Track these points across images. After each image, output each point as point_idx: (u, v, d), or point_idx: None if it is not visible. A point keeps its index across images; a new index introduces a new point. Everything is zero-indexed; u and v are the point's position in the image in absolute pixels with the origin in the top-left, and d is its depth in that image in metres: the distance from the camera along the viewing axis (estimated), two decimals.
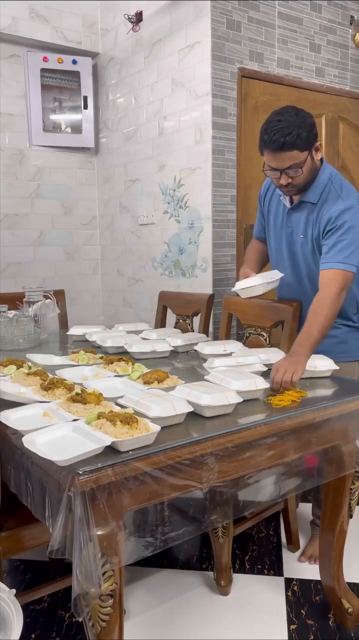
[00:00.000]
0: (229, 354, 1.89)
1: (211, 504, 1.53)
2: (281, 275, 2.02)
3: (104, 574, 1.10)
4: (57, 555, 1.08)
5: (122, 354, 2.00)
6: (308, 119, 1.78)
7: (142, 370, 1.66)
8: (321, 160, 1.91)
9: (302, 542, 2.24)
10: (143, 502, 1.17)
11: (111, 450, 1.14)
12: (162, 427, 1.22)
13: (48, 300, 2.49)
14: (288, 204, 1.98)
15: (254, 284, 2.00)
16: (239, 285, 2.04)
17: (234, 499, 1.53)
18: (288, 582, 2.00)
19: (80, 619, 1.14)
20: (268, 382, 1.57)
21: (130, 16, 3.22)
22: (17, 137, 3.51)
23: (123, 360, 1.81)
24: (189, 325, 2.62)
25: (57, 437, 1.20)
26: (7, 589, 1.08)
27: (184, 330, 2.52)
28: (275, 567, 2.09)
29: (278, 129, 1.74)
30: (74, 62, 3.56)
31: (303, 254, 1.97)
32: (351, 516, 1.71)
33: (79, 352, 1.94)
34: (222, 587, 1.93)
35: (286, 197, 1.97)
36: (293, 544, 2.20)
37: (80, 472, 1.05)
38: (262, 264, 2.24)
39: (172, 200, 3.09)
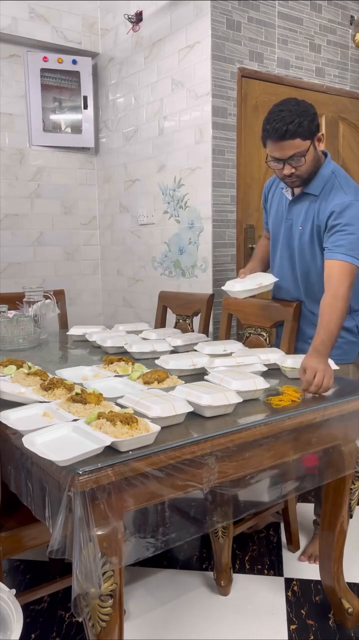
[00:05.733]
0: (229, 354, 1.89)
1: (212, 505, 1.53)
2: (273, 281, 2.02)
3: (104, 574, 1.10)
4: (57, 555, 1.08)
5: (122, 354, 2.00)
6: (309, 109, 1.78)
7: (142, 370, 1.66)
8: (326, 154, 1.91)
9: (302, 542, 2.24)
10: (143, 502, 1.17)
11: (111, 450, 1.14)
12: (162, 427, 1.22)
13: (48, 300, 2.49)
14: (289, 196, 1.98)
15: (235, 289, 2.04)
16: (226, 287, 2.08)
17: (234, 499, 1.53)
18: (288, 582, 2.00)
19: (80, 619, 1.14)
20: (268, 382, 1.57)
21: (130, 16, 3.22)
22: (17, 137, 3.51)
23: (123, 360, 1.81)
24: (189, 325, 2.62)
25: (57, 437, 1.20)
26: (7, 589, 1.08)
27: (184, 330, 2.52)
28: (275, 567, 2.09)
29: (280, 118, 1.74)
30: (74, 62, 3.56)
31: (299, 247, 1.96)
32: (351, 516, 1.71)
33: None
34: (222, 587, 1.92)
35: (288, 190, 1.97)
36: (293, 544, 2.19)
37: (80, 472, 1.05)
38: (268, 261, 2.22)
39: (172, 200, 3.09)
